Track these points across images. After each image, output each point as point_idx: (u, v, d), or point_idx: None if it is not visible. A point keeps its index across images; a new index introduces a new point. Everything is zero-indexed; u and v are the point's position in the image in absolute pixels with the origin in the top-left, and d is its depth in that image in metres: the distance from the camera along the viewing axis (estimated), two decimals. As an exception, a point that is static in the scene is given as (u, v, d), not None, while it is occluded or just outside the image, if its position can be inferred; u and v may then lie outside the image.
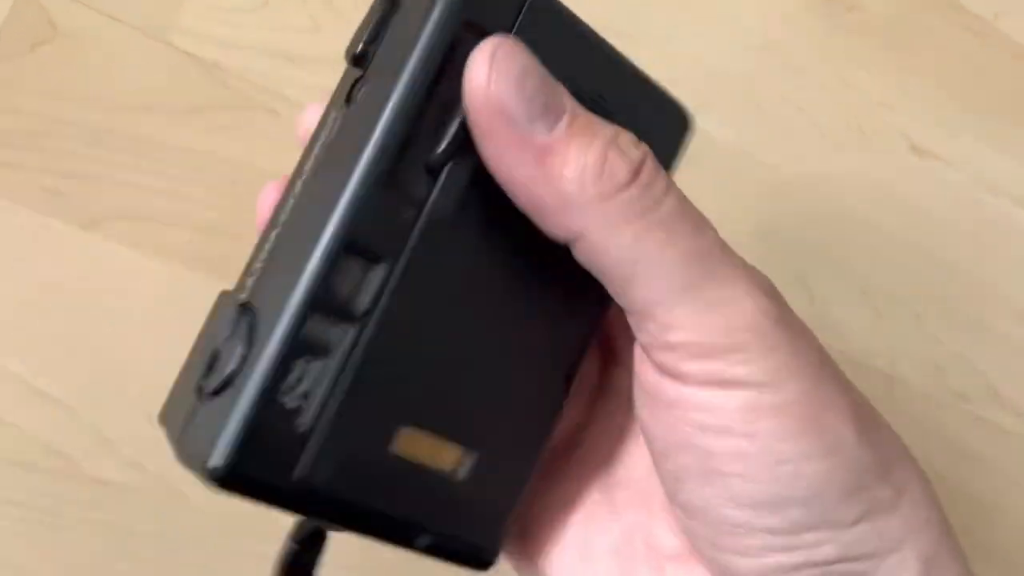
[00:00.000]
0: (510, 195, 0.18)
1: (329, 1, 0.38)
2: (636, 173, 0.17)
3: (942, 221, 0.46)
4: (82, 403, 0.34)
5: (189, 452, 0.17)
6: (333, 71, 0.39)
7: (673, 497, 0.19)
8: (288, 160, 0.39)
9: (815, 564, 0.18)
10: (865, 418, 0.18)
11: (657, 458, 0.19)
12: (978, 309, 0.47)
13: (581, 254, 0.18)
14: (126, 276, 0.35)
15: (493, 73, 0.16)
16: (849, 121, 0.45)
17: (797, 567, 0.18)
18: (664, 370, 0.18)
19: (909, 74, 0.46)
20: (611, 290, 0.18)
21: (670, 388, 0.18)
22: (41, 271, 0.34)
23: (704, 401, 0.18)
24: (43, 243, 0.34)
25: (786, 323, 0.18)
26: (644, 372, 0.19)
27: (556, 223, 0.17)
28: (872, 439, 0.18)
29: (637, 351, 0.19)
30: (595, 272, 0.18)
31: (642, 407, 0.19)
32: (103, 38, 0.35)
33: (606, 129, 0.17)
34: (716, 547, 0.19)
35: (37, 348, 0.34)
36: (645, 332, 0.18)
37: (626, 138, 0.18)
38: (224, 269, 0.35)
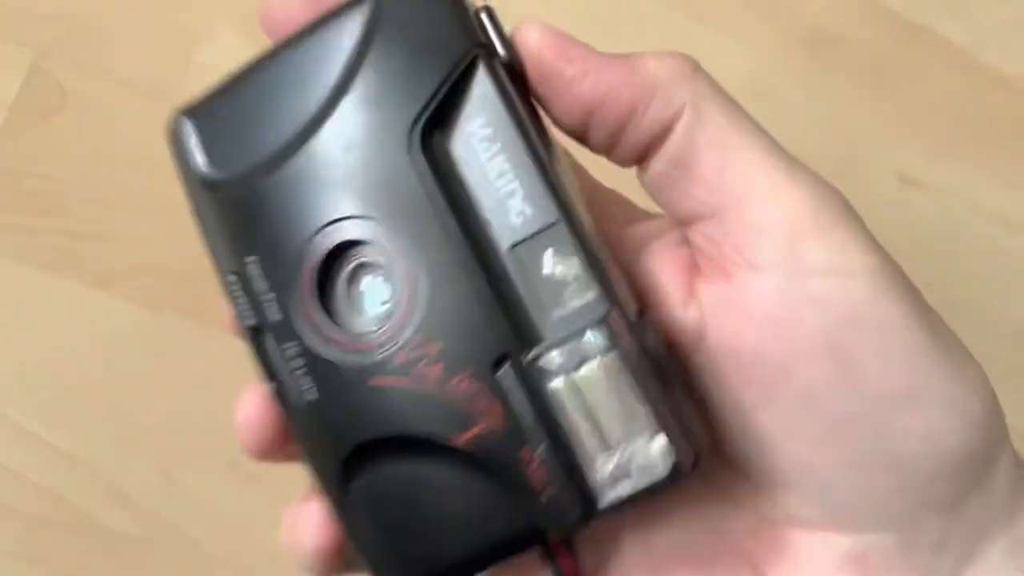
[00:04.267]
0: (598, 116, 0.19)
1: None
2: (698, 64, 0.19)
3: (930, 249, 0.47)
4: (95, 456, 0.36)
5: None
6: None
7: (800, 425, 0.19)
8: None
9: (948, 453, 0.19)
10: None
11: (766, 383, 0.19)
12: (968, 335, 0.48)
13: (679, 140, 0.19)
14: (136, 331, 0.37)
15: (544, 26, 0.19)
16: (837, 153, 0.47)
17: (931, 455, 0.19)
18: (774, 271, 0.18)
19: (895, 105, 0.48)
20: (710, 171, 0.19)
21: (785, 290, 0.18)
22: (54, 329, 0.36)
23: (823, 293, 0.18)
24: (55, 301, 0.36)
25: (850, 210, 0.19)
26: (741, 288, 0.19)
27: (654, 111, 0.19)
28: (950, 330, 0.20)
29: (735, 284, 0.19)
30: (684, 168, 0.19)
31: (736, 331, 0.19)
32: (111, 103, 0.38)
33: None
34: (850, 466, 0.19)
35: (50, 404, 0.36)
36: (743, 229, 0.19)
37: None
38: (225, 326, 0.36)
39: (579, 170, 0.23)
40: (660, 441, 0.18)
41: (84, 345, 0.36)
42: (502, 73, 0.19)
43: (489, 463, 0.18)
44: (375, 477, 0.19)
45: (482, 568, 0.19)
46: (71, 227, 0.37)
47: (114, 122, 0.38)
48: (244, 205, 0.20)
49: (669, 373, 0.19)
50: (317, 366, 0.19)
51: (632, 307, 0.19)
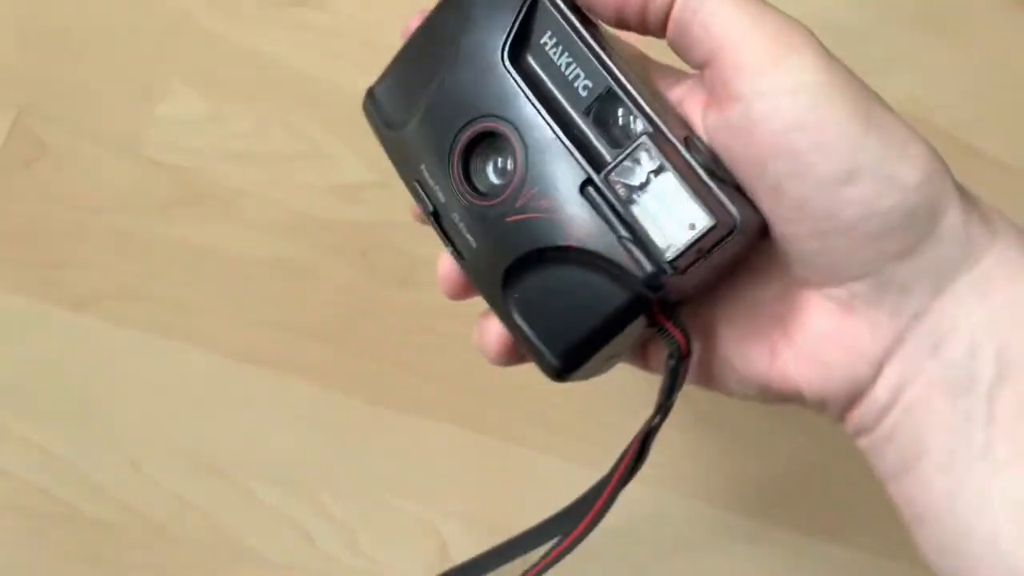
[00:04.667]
0: (628, 11, 0.25)
1: (271, 110, 0.46)
2: None
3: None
4: (75, 454, 0.40)
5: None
6: (275, 166, 0.48)
7: (778, 206, 0.24)
8: (243, 242, 0.47)
9: (889, 226, 0.23)
10: (887, 105, 0.24)
11: (754, 180, 0.25)
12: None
13: (676, 16, 0.25)
14: (110, 346, 0.42)
15: None
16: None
17: (880, 230, 0.23)
18: (743, 98, 0.24)
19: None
20: (695, 42, 0.25)
21: (750, 110, 0.23)
22: (39, 346, 0.41)
23: (775, 109, 0.23)
24: (40, 322, 0.41)
25: (825, 48, 0.24)
26: (727, 112, 0.24)
27: None
28: (901, 119, 0.24)
29: (725, 111, 0.24)
30: (685, 30, 0.25)
31: (733, 144, 0.25)
32: (84, 152, 0.43)
33: None
34: (822, 234, 0.24)
35: (35, 409, 0.40)
36: (724, 70, 0.24)
37: None
38: (188, 336, 0.42)
39: (641, 58, 0.30)
40: (702, 214, 0.24)
41: (63, 359, 0.41)
42: (559, 1, 0.26)
43: (591, 253, 0.25)
44: (523, 287, 0.26)
45: (607, 339, 0.26)
46: (50, 259, 0.41)
47: (86, 168, 0.42)
48: (413, 133, 0.28)
49: (718, 176, 0.25)
50: (472, 223, 0.27)
51: (680, 132, 0.25)
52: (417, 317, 0.46)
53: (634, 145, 0.24)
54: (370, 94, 0.30)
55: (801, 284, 0.26)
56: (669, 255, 0.24)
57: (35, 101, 0.42)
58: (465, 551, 0.44)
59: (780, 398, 0.27)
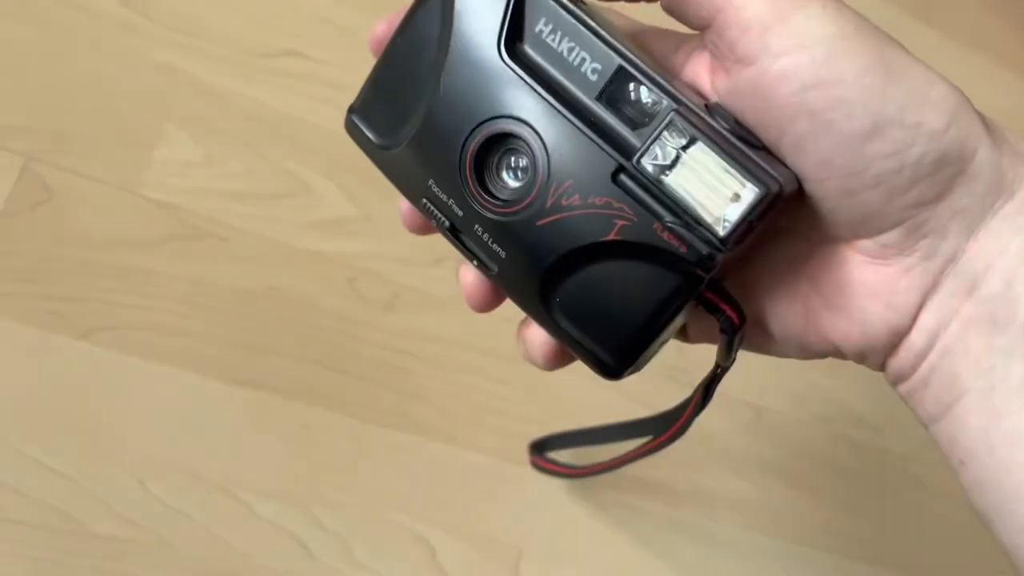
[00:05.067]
0: None
1: (259, 152, 0.50)
2: None
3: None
4: (83, 474, 0.43)
5: None
6: (265, 203, 0.51)
7: (803, 165, 0.23)
8: (237, 275, 0.51)
9: (920, 175, 0.22)
10: (906, 51, 0.23)
11: (774, 141, 0.23)
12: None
13: None
14: (115, 373, 0.44)
15: None
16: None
17: (912, 180, 0.22)
18: (753, 60, 0.22)
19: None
20: (695, 2, 0.23)
21: (762, 71, 0.22)
22: (48, 373, 0.43)
23: (789, 67, 0.22)
24: (47, 352, 0.44)
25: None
26: (738, 76, 0.23)
27: None
28: (922, 64, 0.23)
29: (734, 75, 0.23)
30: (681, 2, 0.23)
31: (748, 109, 0.23)
32: (87, 195, 0.46)
33: None
34: (851, 192, 0.23)
35: (46, 433, 0.43)
36: (728, 31, 0.23)
37: None
38: (187, 362, 0.45)
39: (631, 24, 0.28)
40: (746, 184, 0.22)
41: (70, 384, 0.43)
42: None
43: (636, 244, 0.23)
44: (564, 290, 0.25)
45: (661, 329, 0.24)
46: (57, 292, 0.44)
47: (89, 210, 0.46)
48: (413, 148, 0.26)
49: (749, 141, 0.23)
50: (498, 233, 0.25)
51: (699, 101, 0.24)
52: (403, 340, 0.49)
53: (663, 123, 0.23)
54: (351, 112, 0.27)
55: (830, 239, 0.25)
56: (722, 232, 0.22)
57: (41, 150, 0.46)
58: (453, 558, 0.47)
59: (819, 354, 0.27)
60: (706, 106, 0.24)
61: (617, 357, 0.25)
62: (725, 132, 0.23)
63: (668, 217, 0.23)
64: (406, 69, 0.26)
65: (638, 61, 0.24)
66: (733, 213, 0.22)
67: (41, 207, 0.45)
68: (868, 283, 0.25)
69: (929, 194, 0.23)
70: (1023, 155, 0.23)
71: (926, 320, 0.24)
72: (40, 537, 0.42)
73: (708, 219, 0.23)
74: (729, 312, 0.25)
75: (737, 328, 0.25)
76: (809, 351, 0.27)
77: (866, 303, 0.25)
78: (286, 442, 0.46)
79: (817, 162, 0.23)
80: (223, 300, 0.47)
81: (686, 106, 0.23)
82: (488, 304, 0.28)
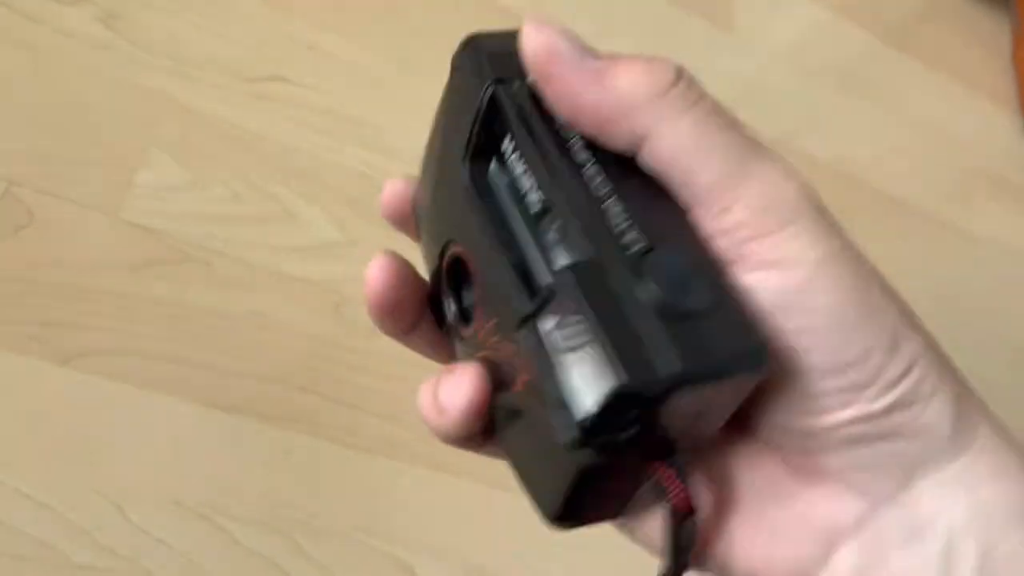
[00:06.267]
0: (578, 125, 0.21)
1: (243, 176, 0.50)
2: (679, 74, 0.20)
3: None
4: (63, 503, 0.42)
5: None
6: (250, 228, 0.51)
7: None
8: (220, 300, 0.51)
9: (871, 416, 0.20)
10: (885, 286, 0.21)
11: None
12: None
13: (648, 156, 0.20)
14: (95, 398, 0.44)
15: (542, 30, 0.20)
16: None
17: (861, 418, 0.20)
18: (728, 258, 0.20)
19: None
20: (679, 184, 0.20)
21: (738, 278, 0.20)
22: (27, 399, 0.43)
23: (765, 282, 0.20)
24: (27, 378, 0.43)
25: (821, 205, 0.20)
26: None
27: (623, 130, 0.20)
28: (897, 304, 0.21)
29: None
30: (662, 172, 0.20)
31: None
32: (70, 219, 0.46)
33: (641, 56, 0.21)
34: (800, 417, 0.21)
35: (25, 460, 0.42)
36: (708, 222, 0.20)
37: (659, 60, 0.20)
38: (169, 388, 0.44)
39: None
40: (603, 360, 0.18)
41: (49, 410, 0.43)
42: (521, 93, 0.21)
43: (540, 403, 0.20)
44: (501, 426, 0.23)
45: (583, 492, 0.21)
46: (38, 317, 0.44)
47: (71, 233, 0.46)
48: (423, 243, 0.26)
49: (681, 312, 0.19)
50: (463, 350, 0.24)
51: (645, 246, 0.19)
52: (388, 366, 0.49)
53: (556, 282, 0.20)
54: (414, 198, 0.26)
55: (757, 441, 0.23)
56: (579, 418, 0.18)
57: (24, 173, 0.46)
58: (436, 585, 0.47)
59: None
60: (648, 250, 0.20)
61: (548, 509, 0.22)
62: (638, 300, 0.19)
63: (546, 387, 0.19)
64: (427, 164, 0.25)
65: (572, 196, 0.20)
66: (587, 402, 0.18)
67: (23, 231, 0.45)
68: (786, 498, 0.22)
69: (876, 433, 0.21)
70: (976, 415, 0.22)
71: (845, 559, 0.22)
72: (16, 566, 0.41)
73: (572, 403, 0.19)
74: (675, 495, 0.20)
75: (684, 514, 0.21)
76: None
77: (778, 521, 0.22)
78: (269, 468, 0.46)
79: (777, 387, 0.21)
80: (206, 325, 0.47)
81: (606, 258, 0.19)
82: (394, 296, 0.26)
